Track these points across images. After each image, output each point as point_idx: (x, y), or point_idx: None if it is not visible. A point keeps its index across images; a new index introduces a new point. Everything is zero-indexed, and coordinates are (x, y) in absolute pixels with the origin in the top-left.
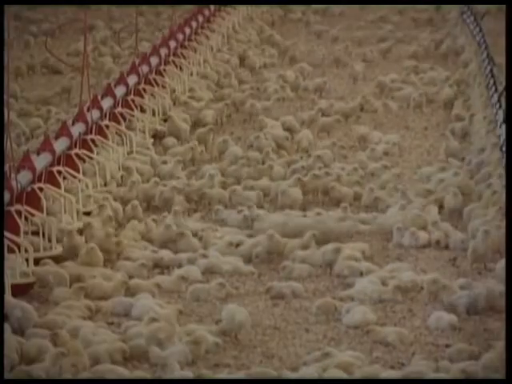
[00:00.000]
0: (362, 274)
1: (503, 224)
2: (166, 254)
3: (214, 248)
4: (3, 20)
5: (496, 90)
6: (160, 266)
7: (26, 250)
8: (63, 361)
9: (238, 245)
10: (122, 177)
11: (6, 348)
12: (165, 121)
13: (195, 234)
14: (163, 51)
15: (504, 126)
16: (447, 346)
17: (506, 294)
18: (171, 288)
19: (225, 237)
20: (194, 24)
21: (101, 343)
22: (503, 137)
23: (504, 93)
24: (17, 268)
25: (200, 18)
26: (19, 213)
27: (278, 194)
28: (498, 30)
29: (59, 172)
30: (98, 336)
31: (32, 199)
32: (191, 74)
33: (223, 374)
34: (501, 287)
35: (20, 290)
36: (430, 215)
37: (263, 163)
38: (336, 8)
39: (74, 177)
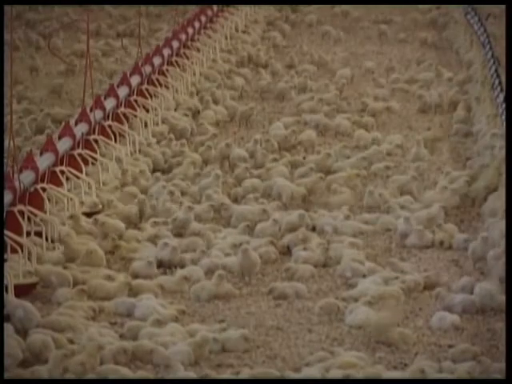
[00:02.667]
0: (364, 276)
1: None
2: (168, 255)
3: (216, 248)
4: (3, 20)
5: (501, 90)
6: (163, 267)
7: (29, 251)
8: (72, 360)
9: (241, 245)
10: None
11: (8, 348)
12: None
13: (198, 234)
14: (166, 51)
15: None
16: (450, 346)
17: (506, 293)
18: (174, 288)
19: (228, 237)
20: (196, 24)
21: (104, 344)
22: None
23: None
24: (19, 268)
25: (203, 19)
26: (22, 213)
27: (282, 194)
28: (503, 31)
29: (62, 172)
30: (101, 336)
31: (35, 199)
32: (194, 74)
33: (226, 375)
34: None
35: (23, 291)
36: (434, 216)
37: (266, 164)
38: (338, 8)
39: (77, 177)
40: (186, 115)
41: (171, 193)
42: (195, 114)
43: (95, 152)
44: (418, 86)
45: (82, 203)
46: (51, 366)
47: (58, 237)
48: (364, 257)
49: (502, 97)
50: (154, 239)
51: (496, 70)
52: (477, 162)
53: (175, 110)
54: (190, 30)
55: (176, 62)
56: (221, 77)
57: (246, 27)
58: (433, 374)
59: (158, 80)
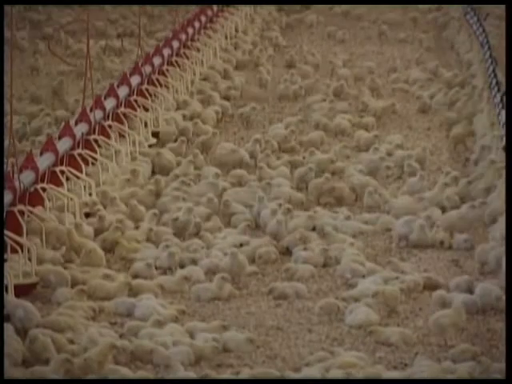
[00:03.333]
0: (364, 277)
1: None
2: (168, 255)
3: (216, 248)
4: (3, 20)
5: (499, 90)
6: (163, 267)
7: (29, 250)
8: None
9: (241, 245)
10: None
11: (8, 348)
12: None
13: (198, 234)
14: (166, 51)
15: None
16: (450, 346)
17: (506, 293)
18: (174, 288)
19: (228, 237)
20: (196, 24)
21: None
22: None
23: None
24: (19, 268)
25: (203, 19)
26: (22, 213)
27: (281, 194)
28: (502, 31)
29: (62, 172)
30: (102, 336)
31: (35, 199)
32: (194, 74)
33: (226, 375)
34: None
35: (23, 291)
36: (435, 216)
37: (266, 163)
38: (338, 8)
39: (77, 177)
40: (186, 115)
41: (171, 192)
42: (195, 114)
43: (95, 152)
44: (418, 86)
45: (82, 203)
46: (53, 369)
47: (57, 236)
48: (364, 257)
49: (499, 97)
50: (154, 239)
51: (494, 70)
52: (477, 162)
53: (175, 110)
54: (190, 30)
55: (176, 61)
56: (221, 77)
57: (246, 27)
58: (433, 374)
59: (157, 80)
